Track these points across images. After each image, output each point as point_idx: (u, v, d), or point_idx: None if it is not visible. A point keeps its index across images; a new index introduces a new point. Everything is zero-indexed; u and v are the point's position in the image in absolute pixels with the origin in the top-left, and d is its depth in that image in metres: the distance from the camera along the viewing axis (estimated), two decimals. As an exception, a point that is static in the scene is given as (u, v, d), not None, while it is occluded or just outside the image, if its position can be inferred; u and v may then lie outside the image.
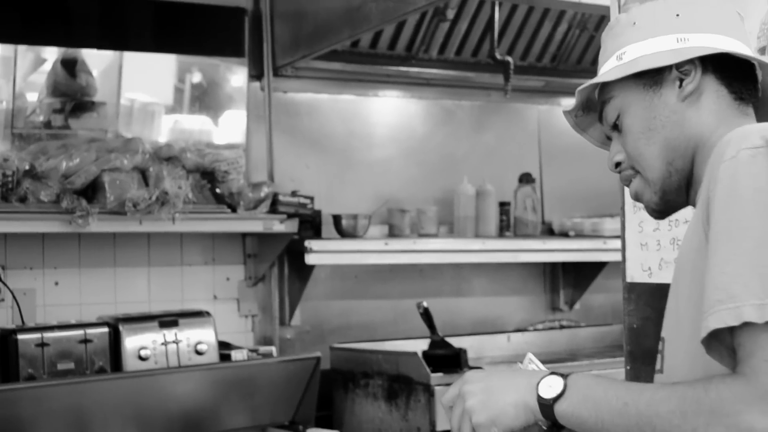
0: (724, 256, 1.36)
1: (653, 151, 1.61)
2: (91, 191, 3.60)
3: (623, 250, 2.45)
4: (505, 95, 4.41)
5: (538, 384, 1.50)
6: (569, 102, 1.76)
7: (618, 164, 1.68)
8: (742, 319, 1.31)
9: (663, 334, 1.58)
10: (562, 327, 4.81)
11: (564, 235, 4.80)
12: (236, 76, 4.29)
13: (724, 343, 1.36)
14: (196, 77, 4.30)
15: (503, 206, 4.72)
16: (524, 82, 4.84)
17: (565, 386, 1.48)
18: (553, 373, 1.52)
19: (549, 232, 4.94)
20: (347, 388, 3.97)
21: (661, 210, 1.67)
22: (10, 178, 3.44)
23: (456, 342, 4.04)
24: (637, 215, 2.40)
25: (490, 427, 1.51)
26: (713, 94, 1.60)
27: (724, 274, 1.35)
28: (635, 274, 2.42)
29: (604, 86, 1.66)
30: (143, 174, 3.68)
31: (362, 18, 3.75)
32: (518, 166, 4.88)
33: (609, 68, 1.65)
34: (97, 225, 3.52)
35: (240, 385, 3.67)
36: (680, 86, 1.60)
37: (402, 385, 3.71)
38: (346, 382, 3.98)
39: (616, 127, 1.66)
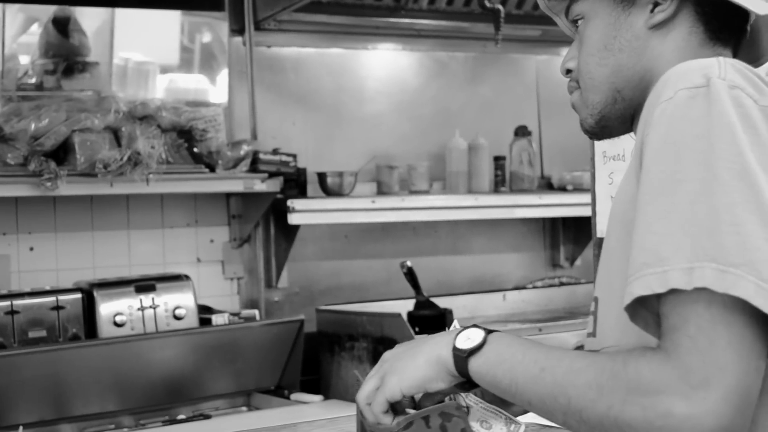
0: (654, 212, 1.18)
1: (602, 72, 1.44)
2: (63, 153, 3.48)
3: (593, 203, 2.31)
4: (496, 45, 4.24)
5: (456, 336, 1.35)
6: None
7: (569, 71, 1.50)
8: (669, 286, 1.13)
9: (596, 293, 1.42)
10: (561, 284, 4.66)
11: (563, 189, 4.64)
12: (216, 31, 4.15)
13: (651, 310, 1.19)
14: (183, 34, 4.17)
15: (498, 160, 4.55)
16: (520, 32, 4.65)
17: (485, 341, 1.32)
18: (475, 325, 1.37)
19: (548, 186, 4.77)
20: (333, 351, 3.85)
21: (596, 133, 1.50)
22: (-26, 142, 3.34)
23: (449, 302, 3.91)
24: (606, 166, 2.26)
25: (395, 389, 1.37)
26: (685, 30, 1.41)
27: (653, 233, 1.17)
28: (605, 228, 2.27)
29: None
30: (116, 134, 3.56)
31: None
32: (516, 119, 4.70)
33: None
34: (67, 188, 3.40)
35: (222, 350, 3.57)
36: (652, 11, 1.41)
37: (386, 348, 3.52)
38: (332, 345, 3.86)
39: (576, 27, 1.49)
